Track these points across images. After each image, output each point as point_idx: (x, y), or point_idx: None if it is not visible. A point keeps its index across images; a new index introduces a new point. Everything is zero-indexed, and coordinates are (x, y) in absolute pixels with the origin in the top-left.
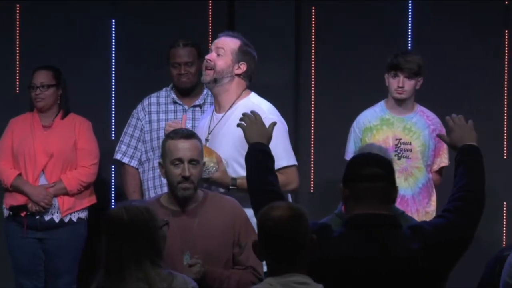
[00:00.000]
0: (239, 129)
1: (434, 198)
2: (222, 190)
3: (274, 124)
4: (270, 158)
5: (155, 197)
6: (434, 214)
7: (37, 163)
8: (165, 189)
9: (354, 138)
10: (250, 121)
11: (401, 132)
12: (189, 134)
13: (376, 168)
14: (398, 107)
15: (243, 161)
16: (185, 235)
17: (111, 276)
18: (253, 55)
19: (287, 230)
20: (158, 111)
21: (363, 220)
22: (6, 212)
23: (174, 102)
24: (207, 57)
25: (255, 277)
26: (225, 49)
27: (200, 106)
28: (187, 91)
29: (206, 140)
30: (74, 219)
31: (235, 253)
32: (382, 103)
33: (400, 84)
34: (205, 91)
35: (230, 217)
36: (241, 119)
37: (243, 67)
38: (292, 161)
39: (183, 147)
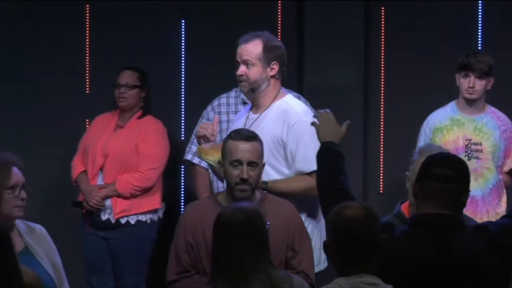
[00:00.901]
0: (273, 130)
1: (504, 199)
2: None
3: (348, 123)
4: (341, 157)
5: (213, 194)
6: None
7: (96, 163)
8: None
9: (425, 139)
10: (323, 119)
11: (472, 132)
12: (250, 136)
13: (447, 169)
14: (468, 107)
15: (275, 163)
16: None
17: (232, 278)
18: (280, 47)
19: (361, 230)
20: (227, 111)
21: (427, 219)
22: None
23: (244, 103)
24: (238, 73)
25: (307, 282)
26: (251, 58)
27: None
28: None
29: None
30: (132, 222)
31: (288, 257)
32: (453, 104)
33: (471, 84)
34: None
35: (286, 221)
36: (314, 117)
37: (275, 67)
38: None
39: (243, 149)
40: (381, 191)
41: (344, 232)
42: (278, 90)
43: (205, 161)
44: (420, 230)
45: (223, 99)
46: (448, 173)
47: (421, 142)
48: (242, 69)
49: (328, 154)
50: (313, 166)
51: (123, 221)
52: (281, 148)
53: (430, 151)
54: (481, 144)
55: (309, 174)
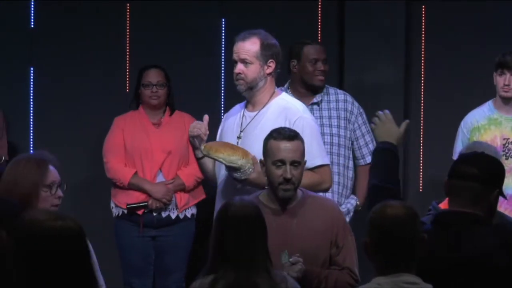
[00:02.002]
0: (273, 128)
1: None
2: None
3: (407, 123)
4: (392, 156)
5: (255, 194)
6: None
7: (155, 160)
8: None
9: (462, 138)
10: (380, 120)
11: (509, 131)
12: (292, 135)
13: (470, 168)
14: (505, 106)
15: None
16: (283, 234)
17: (241, 270)
18: (276, 45)
19: (402, 229)
20: None
21: (444, 217)
22: (117, 211)
23: None
24: (235, 71)
25: (351, 278)
26: (248, 57)
27: (317, 103)
28: (316, 89)
29: (239, 138)
30: (188, 215)
31: (332, 253)
32: (490, 103)
33: (507, 82)
34: (324, 89)
35: (329, 218)
36: (372, 122)
37: (272, 65)
38: (326, 160)
39: (285, 148)
40: (420, 190)
41: (385, 231)
42: (274, 87)
43: (215, 159)
44: (438, 228)
45: None
46: (470, 172)
47: (459, 142)
48: (239, 67)
49: (380, 153)
50: (316, 162)
51: (181, 215)
52: None
53: (475, 149)
54: (486, 143)
55: (312, 169)
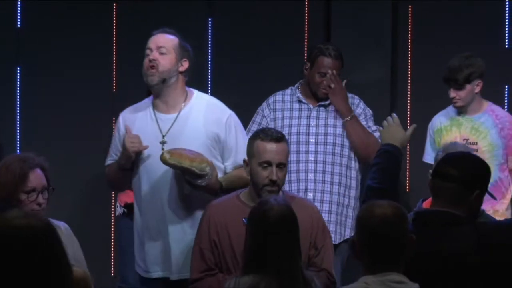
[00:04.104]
0: (207, 127)
1: (508, 197)
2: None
3: (414, 127)
4: (393, 159)
5: (234, 193)
6: (506, 213)
7: None
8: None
9: (429, 140)
10: (388, 123)
11: (469, 132)
12: (279, 137)
13: (451, 168)
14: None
15: (214, 160)
16: None
17: (281, 273)
18: (191, 51)
19: (391, 228)
20: (282, 108)
21: (423, 216)
22: (120, 210)
23: (299, 101)
24: (150, 57)
25: (328, 280)
26: (167, 46)
27: (324, 106)
28: (319, 99)
29: (163, 142)
30: None
31: (311, 255)
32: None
33: (452, 95)
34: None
35: (308, 219)
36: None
37: (185, 64)
38: None
39: (272, 150)
40: (407, 190)
41: (373, 230)
42: (186, 89)
43: (185, 168)
44: (418, 227)
45: (278, 96)
46: (449, 172)
47: (427, 143)
48: (155, 54)
49: (380, 154)
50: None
51: None
52: (217, 144)
53: (455, 149)
54: (476, 143)
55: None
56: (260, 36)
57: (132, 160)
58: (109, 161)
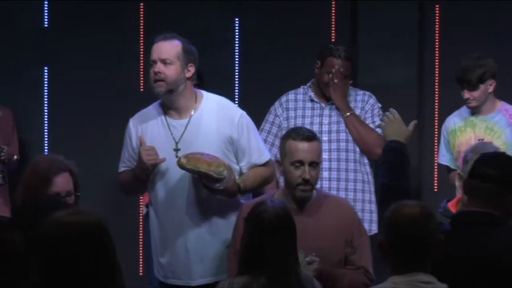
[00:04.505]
0: (220, 130)
1: None
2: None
3: (415, 123)
4: (401, 156)
5: (269, 193)
6: None
7: None
8: None
9: (444, 141)
10: (389, 120)
11: (483, 132)
12: (311, 136)
13: (489, 169)
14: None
15: (229, 162)
16: (300, 233)
17: (276, 273)
18: (195, 52)
19: (419, 229)
20: (295, 107)
21: (462, 217)
22: (145, 209)
23: (311, 100)
24: (155, 70)
25: (366, 277)
26: (170, 56)
27: None
28: (330, 99)
29: (176, 150)
30: None
31: (347, 253)
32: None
33: (465, 96)
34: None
35: (344, 218)
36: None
37: (192, 69)
38: (269, 153)
39: (304, 149)
40: (435, 190)
41: (401, 231)
42: (194, 92)
43: (203, 172)
44: (457, 228)
45: (291, 95)
46: (488, 172)
47: (441, 144)
48: (159, 67)
49: (389, 152)
50: (266, 156)
51: None
52: (231, 146)
53: (484, 149)
54: (491, 143)
55: (265, 164)
56: (288, 36)
57: (148, 173)
58: (122, 168)
